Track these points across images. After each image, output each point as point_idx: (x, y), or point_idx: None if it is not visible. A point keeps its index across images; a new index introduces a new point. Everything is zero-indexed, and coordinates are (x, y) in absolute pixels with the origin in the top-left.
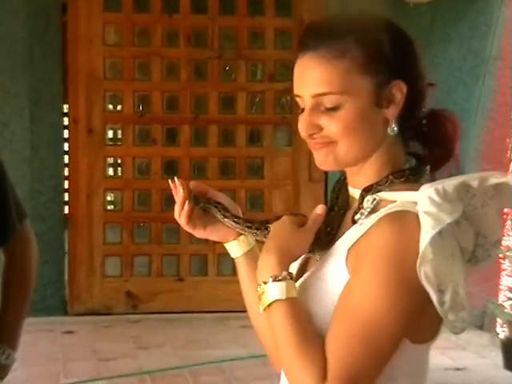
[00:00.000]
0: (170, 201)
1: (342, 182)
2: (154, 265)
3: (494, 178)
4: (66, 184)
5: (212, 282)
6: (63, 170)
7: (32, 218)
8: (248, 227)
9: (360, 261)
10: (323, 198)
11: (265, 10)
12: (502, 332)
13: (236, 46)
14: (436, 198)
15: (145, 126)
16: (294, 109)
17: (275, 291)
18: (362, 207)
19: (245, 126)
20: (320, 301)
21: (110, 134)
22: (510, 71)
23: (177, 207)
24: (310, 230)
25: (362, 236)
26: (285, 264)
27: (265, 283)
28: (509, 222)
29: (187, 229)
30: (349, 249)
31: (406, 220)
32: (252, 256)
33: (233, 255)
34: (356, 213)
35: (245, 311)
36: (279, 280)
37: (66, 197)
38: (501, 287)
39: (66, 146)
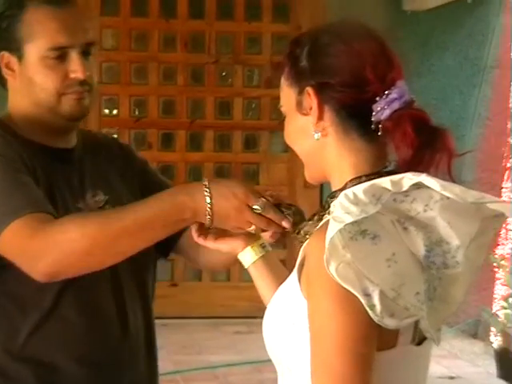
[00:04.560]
0: None
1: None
2: None
3: (408, 180)
4: None
5: (206, 288)
6: None
7: None
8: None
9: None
10: (319, 205)
11: (262, 16)
12: (495, 341)
13: (233, 51)
14: (345, 202)
15: (141, 131)
16: None
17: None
18: (328, 213)
19: (241, 132)
20: (276, 312)
21: None
22: (506, 80)
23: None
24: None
25: (307, 246)
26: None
27: None
28: (503, 231)
29: (198, 241)
30: (300, 261)
31: None
32: (267, 261)
33: (246, 264)
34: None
35: (239, 317)
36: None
37: None
38: (495, 296)
39: None
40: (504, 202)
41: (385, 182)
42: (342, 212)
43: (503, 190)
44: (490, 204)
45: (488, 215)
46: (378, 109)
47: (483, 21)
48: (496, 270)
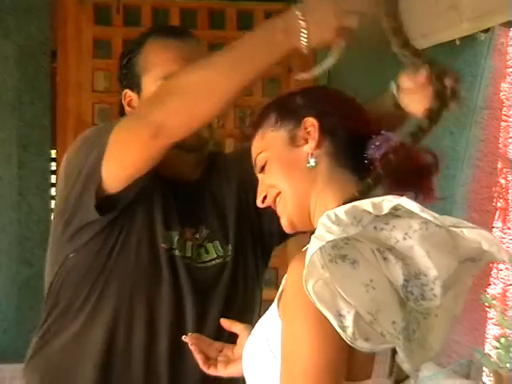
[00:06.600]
0: None
1: None
2: None
3: (388, 202)
4: None
5: None
6: (50, 216)
7: (18, 264)
8: None
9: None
10: None
11: None
12: (488, 381)
13: None
14: (327, 222)
15: None
16: None
17: None
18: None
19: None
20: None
21: None
22: (496, 120)
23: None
24: None
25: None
26: None
27: None
28: (494, 271)
29: (209, 372)
30: (282, 288)
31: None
32: None
33: None
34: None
35: None
36: None
37: None
38: (487, 336)
39: (53, 192)
40: (481, 229)
41: (366, 204)
42: (323, 231)
43: (494, 229)
44: (468, 232)
45: (463, 257)
46: (377, 143)
47: (472, 62)
48: (488, 309)
